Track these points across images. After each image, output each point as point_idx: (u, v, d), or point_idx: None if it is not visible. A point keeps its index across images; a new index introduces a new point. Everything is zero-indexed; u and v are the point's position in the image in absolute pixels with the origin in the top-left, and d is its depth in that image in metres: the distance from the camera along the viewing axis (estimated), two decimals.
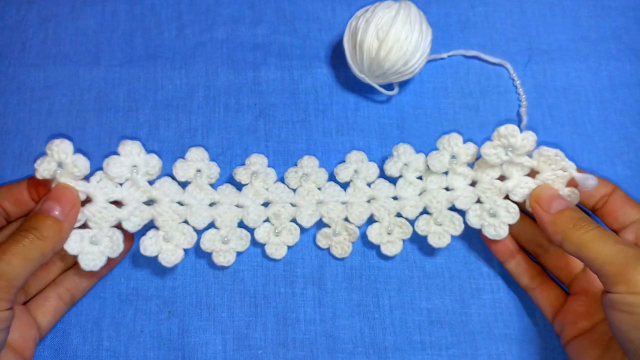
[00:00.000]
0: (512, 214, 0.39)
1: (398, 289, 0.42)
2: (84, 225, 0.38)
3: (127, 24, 0.47)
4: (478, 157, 0.40)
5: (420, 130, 0.45)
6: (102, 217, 0.38)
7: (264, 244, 0.41)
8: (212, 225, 0.40)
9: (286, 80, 0.46)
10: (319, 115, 0.45)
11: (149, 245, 0.39)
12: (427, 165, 0.41)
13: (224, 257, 0.40)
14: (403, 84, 0.46)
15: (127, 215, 0.38)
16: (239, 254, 0.41)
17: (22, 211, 0.38)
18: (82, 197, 0.37)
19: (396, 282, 0.42)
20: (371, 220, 0.41)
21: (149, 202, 0.39)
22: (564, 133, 0.45)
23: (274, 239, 0.41)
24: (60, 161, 0.36)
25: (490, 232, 0.39)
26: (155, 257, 0.39)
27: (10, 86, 0.45)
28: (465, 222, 0.40)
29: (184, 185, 0.40)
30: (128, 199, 0.38)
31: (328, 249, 0.42)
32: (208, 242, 0.40)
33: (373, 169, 0.42)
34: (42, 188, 0.37)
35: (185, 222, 0.40)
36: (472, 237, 0.42)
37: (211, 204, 0.41)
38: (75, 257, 0.37)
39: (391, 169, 0.41)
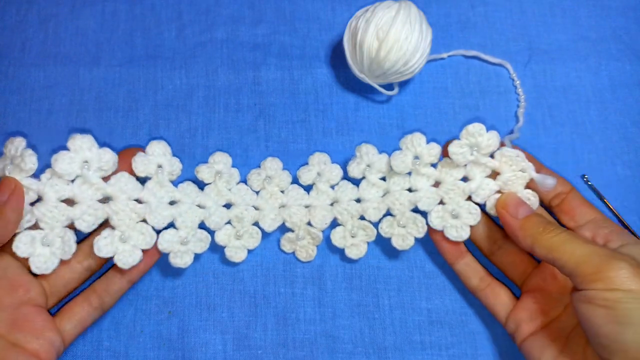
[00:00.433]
0: (473, 215, 0.39)
1: (398, 289, 0.42)
2: (35, 226, 0.36)
3: (127, 24, 0.47)
4: (440, 159, 0.40)
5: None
6: (52, 216, 0.36)
7: (224, 247, 0.40)
8: (171, 224, 0.39)
9: (286, 80, 0.46)
10: (319, 115, 0.45)
11: (103, 246, 0.36)
12: (391, 166, 0.40)
13: (181, 259, 0.39)
14: (403, 84, 0.46)
15: (79, 214, 0.36)
16: (197, 255, 0.40)
17: None
18: (34, 196, 0.36)
19: (396, 282, 0.42)
20: (335, 223, 0.41)
21: (106, 200, 0.37)
22: (564, 133, 0.45)
23: (235, 242, 0.40)
24: (11, 157, 0.35)
25: (452, 234, 0.39)
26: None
27: (10, 86, 0.45)
28: (427, 224, 0.39)
29: (142, 181, 0.38)
30: (80, 196, 0.36)
31: (293, 253, 0.42)
32: (166, 242, 0.38)
33: (336, 171, 0.41)
34: None
35: (144, 221, 0.38)
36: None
37: (171, 202, 0.39)
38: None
39: (354, 170, 0.41)
